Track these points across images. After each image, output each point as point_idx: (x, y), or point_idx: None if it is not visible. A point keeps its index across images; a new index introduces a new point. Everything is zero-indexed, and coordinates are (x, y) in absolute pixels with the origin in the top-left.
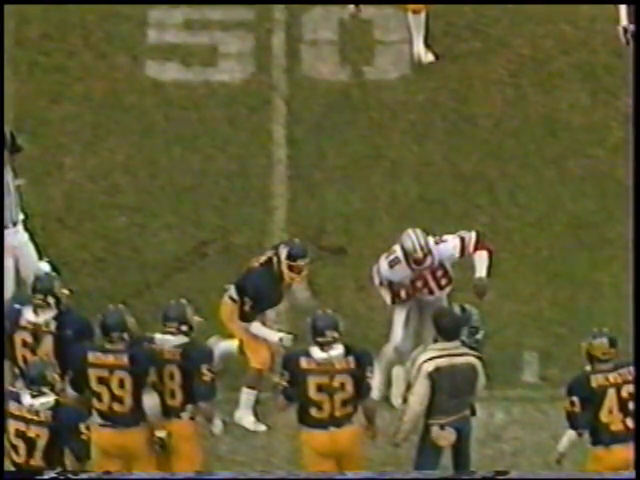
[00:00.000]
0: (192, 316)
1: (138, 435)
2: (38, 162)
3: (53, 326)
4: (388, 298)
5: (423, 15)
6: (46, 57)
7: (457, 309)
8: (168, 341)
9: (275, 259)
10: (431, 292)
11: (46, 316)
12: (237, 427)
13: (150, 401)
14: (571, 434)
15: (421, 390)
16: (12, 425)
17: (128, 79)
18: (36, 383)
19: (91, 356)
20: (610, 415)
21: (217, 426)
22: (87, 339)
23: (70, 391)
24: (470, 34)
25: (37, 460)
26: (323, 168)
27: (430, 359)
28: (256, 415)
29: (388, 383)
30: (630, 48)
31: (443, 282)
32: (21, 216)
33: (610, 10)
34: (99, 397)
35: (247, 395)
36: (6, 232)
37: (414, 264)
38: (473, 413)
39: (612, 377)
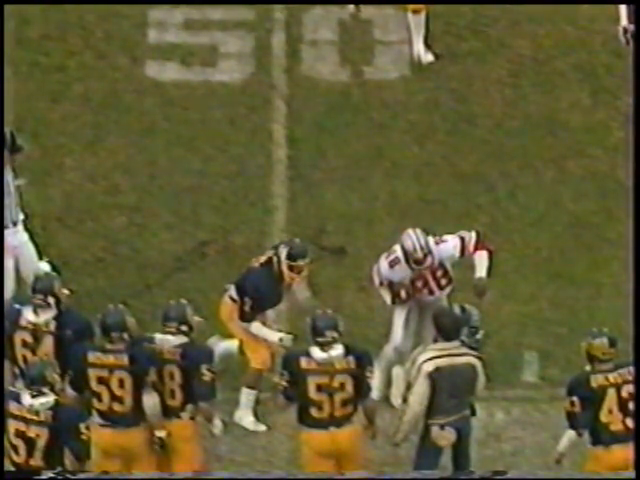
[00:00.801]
0: (192, 316)
1: (138, 435)
2: (38, 162)
3: (53, 326)
4: (388, 298)
5: (423, 15)
6: (46, 57)
7: (457, 309)
8: (168, 341)
9: (275, 259)
10: (431, 292)
11: (46, 316)
12: (237, 427)
13: (150, 401)
14: (571, 434)
15: (421, 390)
16: (12, 425)
17: (128, 79)
18: (36, 383)
19: (91, 356)
20: (610, 415)
21: (217, 426)
22: (87, 339)
23: (70, 391)
24: (470, 34)
25: (37, 460)
26: (323, 168)
27: (430, 359)
28: (256, 415)
29: (388, 383)
30: (630, 48)
31: (443, 282)
32: (21, 216)
33: (610, 10)
34: (99, 397)
35: (247, 395)
36: (6, 232)
37: (414, 264)
38: (473, 413)
39: (612, 377)
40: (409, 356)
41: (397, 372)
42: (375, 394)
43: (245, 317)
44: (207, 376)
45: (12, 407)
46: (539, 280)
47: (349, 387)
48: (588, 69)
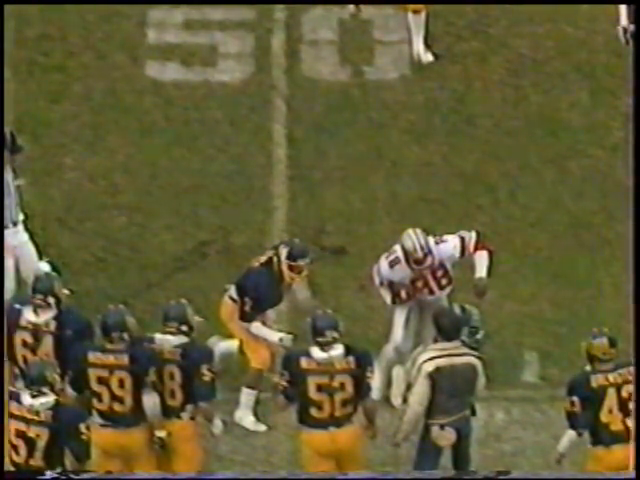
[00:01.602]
0: (192, 316)
1: (138, 435)
2: (38, 162)
3: (53, 326)
4: (388, 298)
5: (423, 15)
6: (46, 57)
7: (457, 309)
8: (168, 341)
9: (275, 259)
10: (431, 292)
11: (46, 316)
12: (237, 427)
13: (150, 401)
14: (571, 434)
15: (421, 390)
16: (12, 425)
17: (128, 79)
18: (36, 383)
19: (91, 356)
20: (610, 415)
21: (217, 426)
22: (87, 339)
23: (70, 391)
24: (470, 34)
25: (37, 460)
26: (323, 168)
27: (430, 359)
28: (256, 415)
29: (388, 383)
30: (630, 48)
31: (443, 282)
32: (21, 216)
33: (610, 10)
34: (99, 397)
35: (247, 395)
36: (6, 232)
37: (414, 264)
38: (473, 413)
39: (612, 377)
40: (409, 356)
41: (397, 372)
42: (375, 394)
43: (245, 317)
44: (207, 376)
45: (12, 407)
46: (539, 280)
47: (349, 387)
48: (588, 69)
